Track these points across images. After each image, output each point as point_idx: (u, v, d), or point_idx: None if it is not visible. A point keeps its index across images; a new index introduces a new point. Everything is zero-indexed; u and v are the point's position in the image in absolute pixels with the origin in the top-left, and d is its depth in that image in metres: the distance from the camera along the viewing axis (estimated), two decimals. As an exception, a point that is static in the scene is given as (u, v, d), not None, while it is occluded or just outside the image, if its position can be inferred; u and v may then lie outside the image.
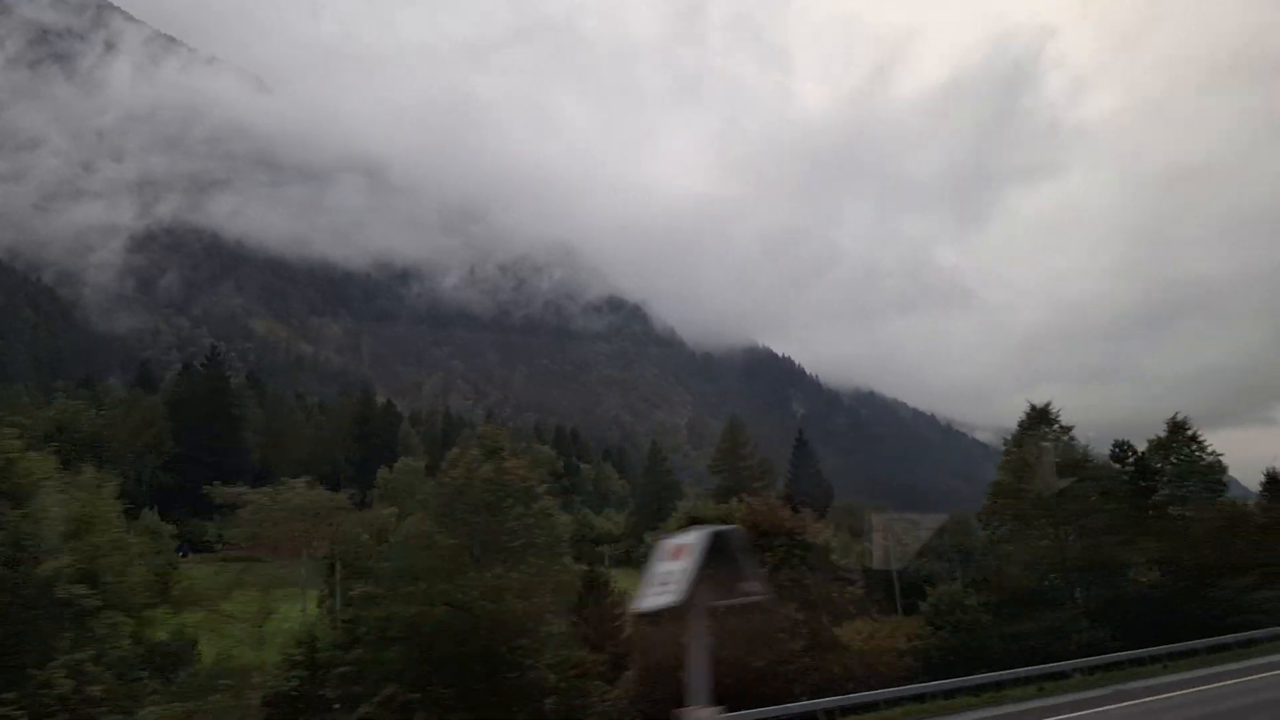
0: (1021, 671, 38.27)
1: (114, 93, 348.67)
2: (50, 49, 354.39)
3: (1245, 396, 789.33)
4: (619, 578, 48.43)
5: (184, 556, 74.60)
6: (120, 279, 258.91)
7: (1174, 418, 55.65)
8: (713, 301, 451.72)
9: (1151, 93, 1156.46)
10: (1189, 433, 54.82)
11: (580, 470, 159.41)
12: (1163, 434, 55.31)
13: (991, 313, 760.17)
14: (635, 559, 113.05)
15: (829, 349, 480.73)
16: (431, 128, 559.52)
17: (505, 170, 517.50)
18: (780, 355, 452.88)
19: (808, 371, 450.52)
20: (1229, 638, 44.14)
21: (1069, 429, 53.13)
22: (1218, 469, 54.93)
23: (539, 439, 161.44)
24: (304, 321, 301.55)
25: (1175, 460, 54.04)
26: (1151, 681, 36.18)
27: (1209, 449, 54.72)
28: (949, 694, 36.12)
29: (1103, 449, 55.99)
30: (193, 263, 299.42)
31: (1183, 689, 32.85)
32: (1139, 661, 40.76)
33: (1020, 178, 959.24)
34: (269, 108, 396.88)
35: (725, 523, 28.31)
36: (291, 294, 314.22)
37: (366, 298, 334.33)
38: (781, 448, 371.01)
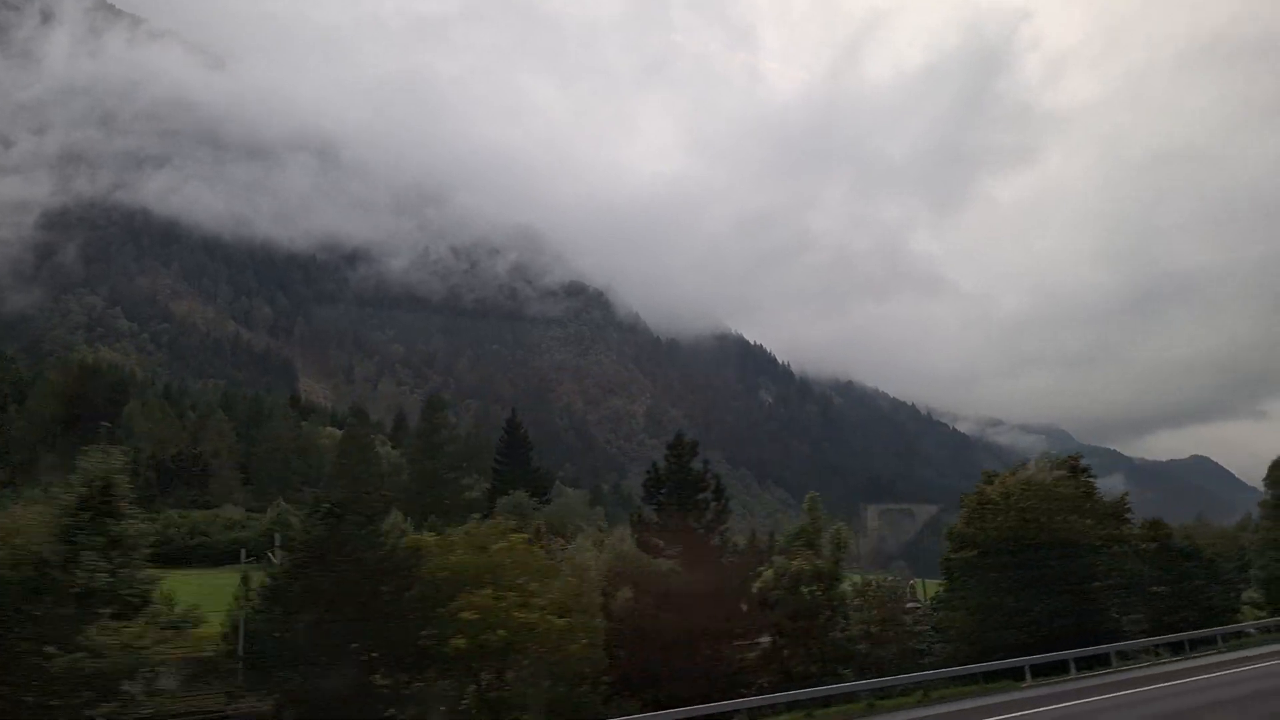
0: None
1: (48, 65, 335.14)
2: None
3: (1235, 388, 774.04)
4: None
5: None
6: (22, 255, 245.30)
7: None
8: (680, 287, 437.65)
9: (1129, 76, 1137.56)
10: None
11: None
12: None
13: (971, 300, 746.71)
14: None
15: (802, 337, 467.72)
16: (388, 106, 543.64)
17: (465, 152, 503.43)
18: (751, 343, 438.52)
19: (779, 360, 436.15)
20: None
21: None
22: None
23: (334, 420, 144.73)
24: (233, 303, 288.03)
25: None
26: None
27: None
28: None
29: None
30: (117, 242, 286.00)
31: None
32: None
33: (997, 162, 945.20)
34: (218, 84, 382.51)
35: None
36: (225, 275, 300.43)
37: (308, 280, 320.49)
38: (750, 436, 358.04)
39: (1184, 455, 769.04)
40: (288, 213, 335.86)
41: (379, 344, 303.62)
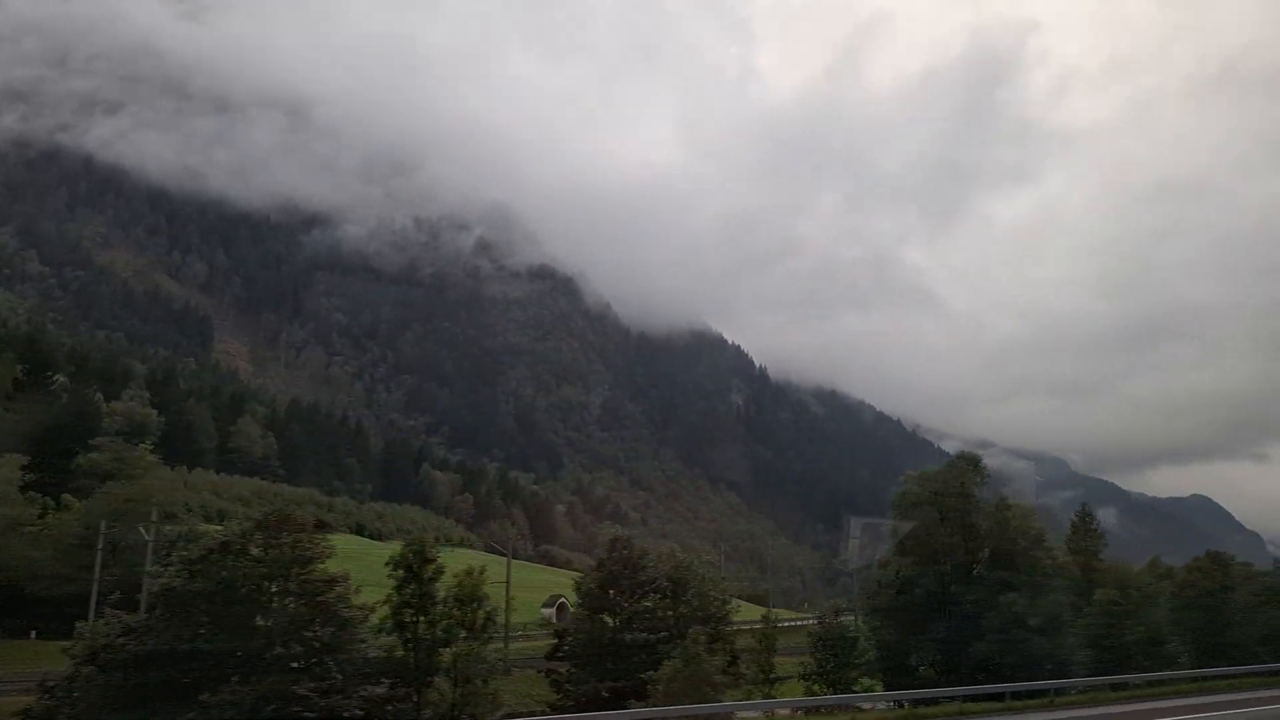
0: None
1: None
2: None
3: (1236, 430, 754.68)
4: None
5: None
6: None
7: None
8: (658, 281, 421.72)
9: (1137, 101, 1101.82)
10: None
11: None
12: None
13: (962, 319, 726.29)
14: None
15: (784, 343, 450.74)
16: (367, 70, 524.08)
17: (443, 123, 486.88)
18: (730, 342, 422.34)
19: (757, 363, 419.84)
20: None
21: None
22: None
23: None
24: (166, 257, 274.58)
25: None
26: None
27: None
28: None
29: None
30: (51, 184, 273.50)
31: None
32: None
33: (995, 180, 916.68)
34: (191, 34, 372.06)
35: None
36: (165, 228, 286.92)
37: (257, 240, 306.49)
38: (712, 437, 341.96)
39: (1185, 493, 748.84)
40: (246, 169, 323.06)
41: (320, 311, 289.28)
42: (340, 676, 26.03)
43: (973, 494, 41.85)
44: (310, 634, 25.25)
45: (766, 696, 35.77)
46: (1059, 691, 33.62)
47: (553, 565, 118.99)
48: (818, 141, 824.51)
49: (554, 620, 74.08)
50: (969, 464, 42.91)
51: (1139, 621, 44.86)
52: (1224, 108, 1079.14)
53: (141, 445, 69.89)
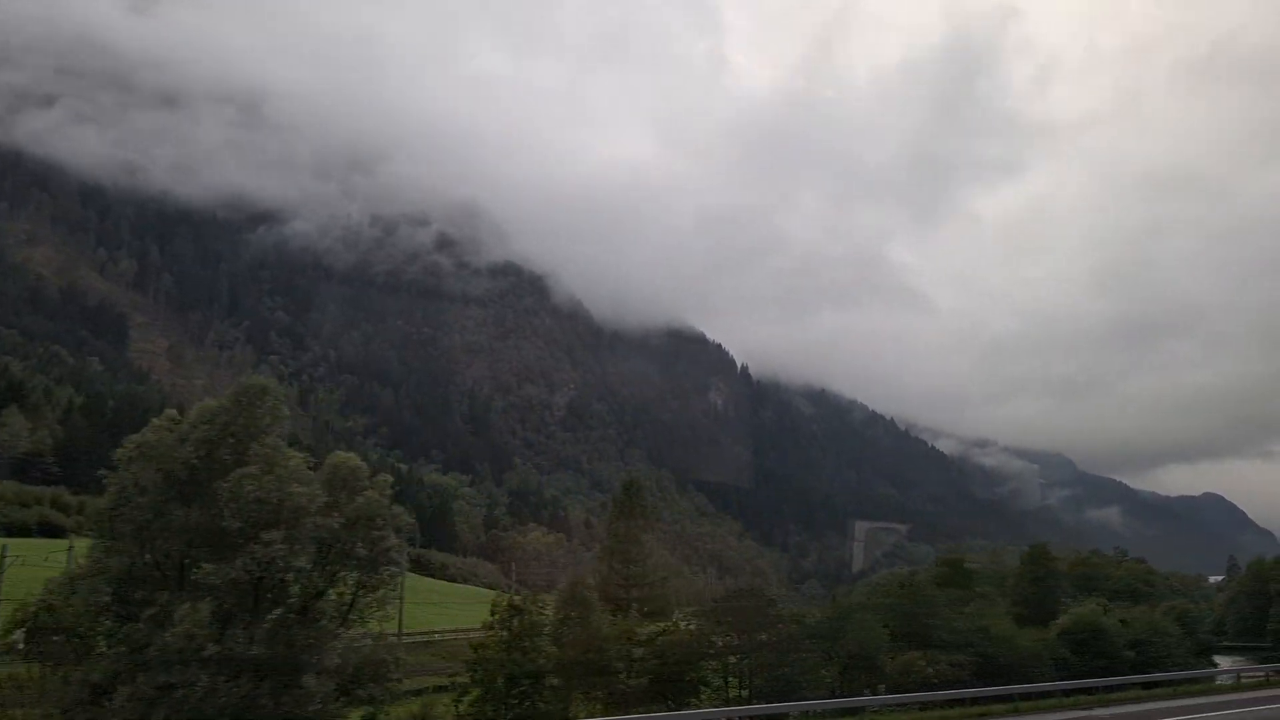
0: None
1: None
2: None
3: (1241, 428, 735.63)
4: None
5: None
6: None
7: None
8: (633, 278, 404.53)
9: (1126, 88, 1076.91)
10: None
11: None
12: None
13: (951, 316, 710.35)
14: None
15: (768, 342, 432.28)
16: (325, 63, 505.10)
17: (405, 117, 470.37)
18: (711, 341, 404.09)
19: (739, 362, 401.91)
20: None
21: None
22: None
23: None
24: (92, 253, 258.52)
25: None
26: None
27: None
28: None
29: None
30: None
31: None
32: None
33: (980, 174, 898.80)
34: (138, 27, 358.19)
35: None
36: (95, 224, 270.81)
37: (197, 238, 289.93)
38: (685, 437, 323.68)
39: (1196, 491, 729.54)
40: (192, 165, 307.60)
41: (259, 309, 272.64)
42: None
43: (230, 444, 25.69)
44: None
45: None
46: None
47: (422, 571, 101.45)
48: (797, 135, 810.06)
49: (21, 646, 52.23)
50: (252, 393, 26.21)
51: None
52: (1215, 95, 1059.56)
53: None
